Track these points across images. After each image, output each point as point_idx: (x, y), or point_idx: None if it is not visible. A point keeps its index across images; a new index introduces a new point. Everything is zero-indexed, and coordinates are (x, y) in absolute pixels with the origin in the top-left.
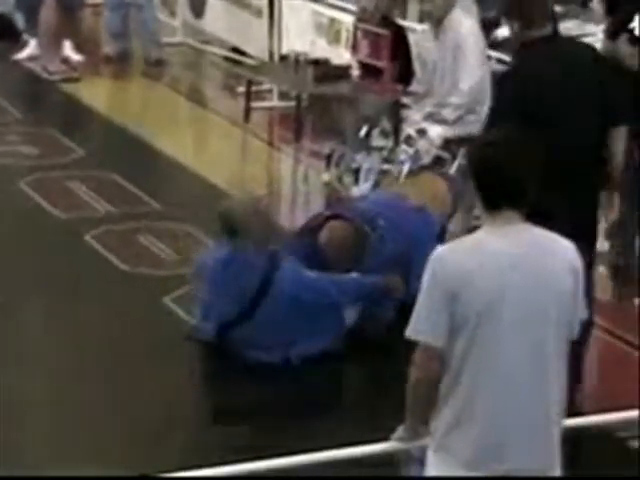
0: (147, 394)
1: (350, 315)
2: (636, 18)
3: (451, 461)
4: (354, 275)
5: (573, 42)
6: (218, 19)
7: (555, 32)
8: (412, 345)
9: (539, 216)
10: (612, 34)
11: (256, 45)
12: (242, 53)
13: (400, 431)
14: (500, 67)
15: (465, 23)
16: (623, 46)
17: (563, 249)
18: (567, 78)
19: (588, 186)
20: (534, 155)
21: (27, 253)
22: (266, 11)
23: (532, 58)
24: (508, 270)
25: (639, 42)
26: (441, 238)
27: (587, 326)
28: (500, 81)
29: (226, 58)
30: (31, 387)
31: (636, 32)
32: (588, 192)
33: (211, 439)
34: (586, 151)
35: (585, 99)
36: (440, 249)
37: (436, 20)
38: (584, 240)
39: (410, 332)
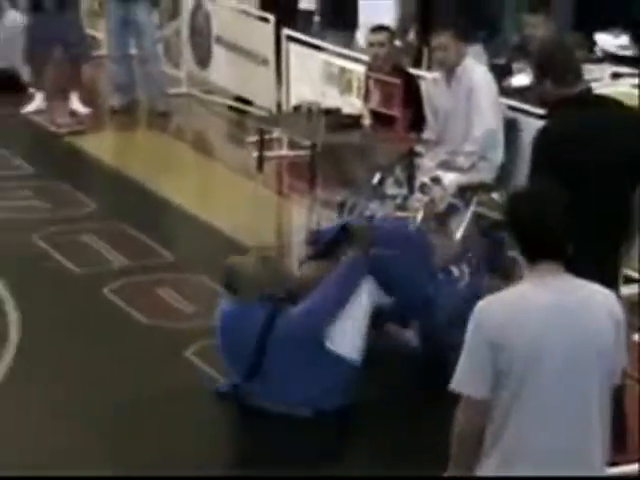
0: (169, 445)
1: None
2: None
3: None
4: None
5: (607, 99)
6: (223, 69)
7: (588, 90)
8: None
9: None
10: None
11: (263, 95)
12: (248, 103)
13: None
14: (512, 114)
15: (477, 70)
16: None
17: (604, 299)
18: (601, 138)
19: (614, 237)
20: (571, 207)
21: (45, 307)
22: (272, 61)
23: (567, 117)
24: (550, 322)
25: None
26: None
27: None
28: (537, 138)
29: (232, 108)
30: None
31: None
32: (614, 242)
33: None
34: (616, 207)
35: (619, 158)
36: (483, 301)
37: (449, 68)
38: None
39: (454, 385)
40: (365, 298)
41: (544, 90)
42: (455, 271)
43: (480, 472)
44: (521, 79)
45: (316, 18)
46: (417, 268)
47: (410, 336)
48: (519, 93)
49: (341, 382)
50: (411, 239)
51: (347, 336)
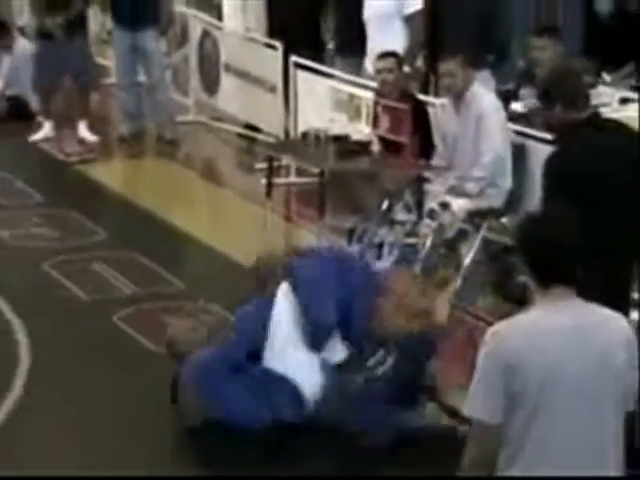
0: (181, 469)
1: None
2: None
3: None
4: None
5: (616, 124)
6: (231, 96)
7: (596, 114)
8: None
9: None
10: None
11: (271, 122)
12: (256, 130)
13: None
14: (520, 140)
15: (486, 97)
16: None
17: (617, 323)
18: (613, 161)
19: (625, 260)
20: (583, 231)
21: (55, 334)
22: (280, 88)
23: (578, 142)
24: (565, 345)
25: None
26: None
27: None
28: (548, 163)
29: (240, 135)
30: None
31: None
32: (625, 265)
33: None
34: (629, 229)
35: (631, 183)
36: (495, 326)
37: (457, 94)
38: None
39: (467, 410)
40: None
41: (553, 115)
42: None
43: None
44: (522, 105)
45: (329, 45)
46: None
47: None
48: (524, 118)
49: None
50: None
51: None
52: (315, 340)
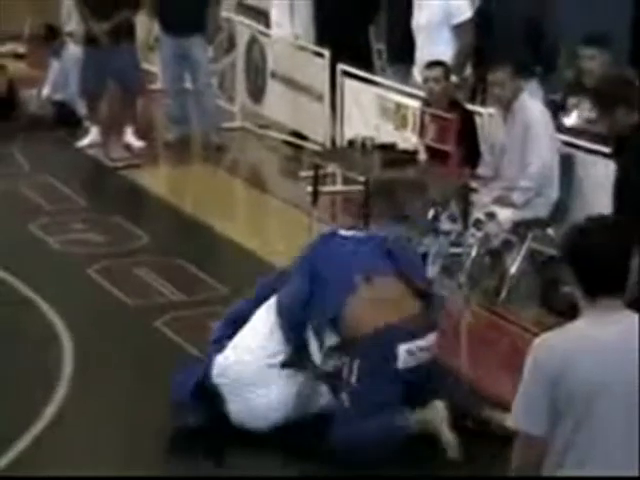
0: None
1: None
2: None
3: None
4: None
5: None
6: (277, 104)
7: None
8: None
9: None
10: None
11: (317, 129)
12: (302, 137)
13: None
14: (567, 150)
15: (534, 107)
16: None
17: None
18: None
19: None
20: (631, 241)
21: (98, 339)
22: (327, 96)
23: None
24: (611, 359)
25: None
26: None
27: None
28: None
29: (286, 142)
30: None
31: None
32: None
33: None
34: None
35: None
36: (541, 338)
37: (505, 104)
38: None
39: (512, 422)
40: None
41: (615, 120)
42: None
43: None
44: (573, 118)
45: (377, 53)
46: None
47: None
48: (575, 132)
49: None
50: None
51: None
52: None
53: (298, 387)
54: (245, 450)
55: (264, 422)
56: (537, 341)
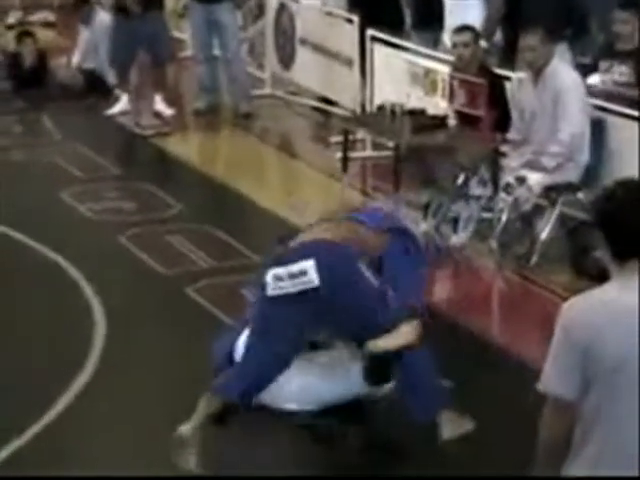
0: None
1: None
2: None
3: None
4: None
5: None
6: (307, 70)
7: None
8: None
9: None
10: None
11: (347, 95)
12: (331, 103)
13: None
14: (598, 114)
15: (566, 73)
16: None
17: None
18: None
19: None
20: None
21: (130, 306)
22: (357, 61)
23: None
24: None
25: None
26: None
27: None
28: None
29: (316, 109)
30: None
31: None
32: None
33: None
34: None
35: None
36: (568, 304)
37: (537, 69)
38: None
39: (542, 386)
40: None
41: None
42: None
43: (570, 469)
44: (608, 78)
45: (407, 19)
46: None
47: None
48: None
49: None
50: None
51: None
52: None
53: (318, 370)
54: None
55: (291, 405)
56: (565, 307)
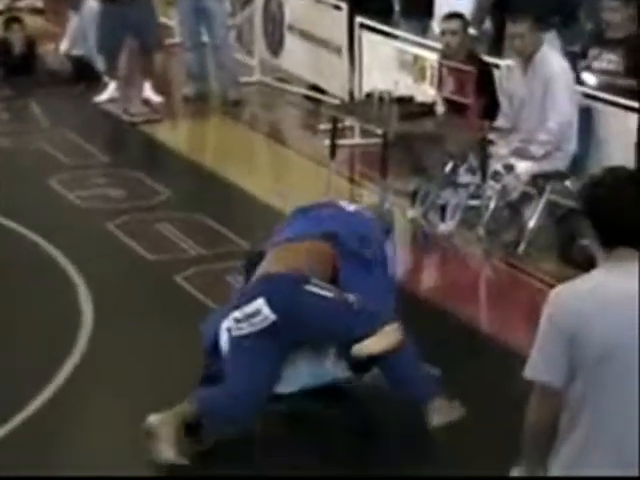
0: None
1: None
2: None
3: None
4: None
5: None
6: (296, 57)
7: None
8: None
9: None
10: None
11: (335, 83)
12: (320, 91)
13: (516, 472)
14: (586, 102)
15: (555, 60)
16: None
17: None
18: None
19: None
20: None
21: (118, 293)
22: (346, 49)
23: None
24: (628, 311)
25: None
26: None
27: None
28: None
29: (304, 96)
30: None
31: None
32: None
33: None
34: None
35: None
36: (558, 289)
37: (526, 56)
38: None
39: (529, 373)
40: None
41: None
42: None
43: (555, 460)
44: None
45: (395, 6)
46: None
47: None
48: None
49: None
50: None
51: None
52: None
53: (298, 353)
54: None
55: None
56: (552, 295)
